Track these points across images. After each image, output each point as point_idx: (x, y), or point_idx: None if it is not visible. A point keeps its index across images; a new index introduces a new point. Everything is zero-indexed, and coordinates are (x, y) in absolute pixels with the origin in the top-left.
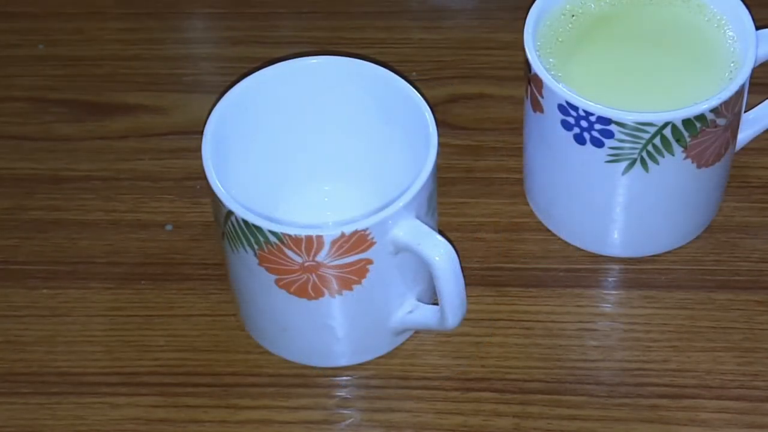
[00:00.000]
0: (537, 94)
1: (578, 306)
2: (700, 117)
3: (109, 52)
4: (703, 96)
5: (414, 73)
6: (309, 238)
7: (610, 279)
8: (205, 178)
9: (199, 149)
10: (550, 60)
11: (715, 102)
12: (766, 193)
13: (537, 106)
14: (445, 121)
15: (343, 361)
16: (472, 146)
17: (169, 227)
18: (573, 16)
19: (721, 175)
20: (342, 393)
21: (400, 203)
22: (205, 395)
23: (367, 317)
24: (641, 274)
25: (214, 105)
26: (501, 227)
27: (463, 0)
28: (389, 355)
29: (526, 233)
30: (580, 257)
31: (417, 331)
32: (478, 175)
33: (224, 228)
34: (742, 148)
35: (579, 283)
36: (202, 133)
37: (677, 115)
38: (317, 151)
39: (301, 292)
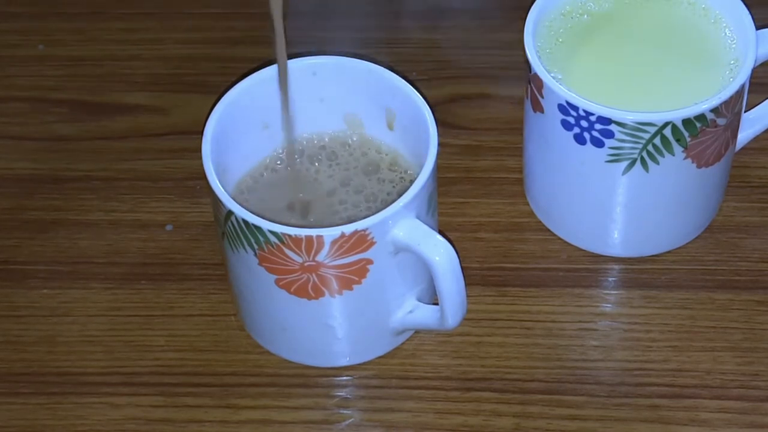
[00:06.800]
0: (537, 94)
1: (578, 306)
2: (701, 117)
3: (109, 52)
4: (703, 96)
5: (414, 73)
6: (309, 238)
7: (610, 279)
8: (205, 178)
9: (199, 149)
10: (550, 60)
11: (715, 102)
12: (766, 193)
13: (537, 106)
14: (445, 121)
15: (343, 361)
16: (472, 146)
17: (169, 227)
18: (573, 16)
19: (721, 175)
20: (342, 393)
21: (400, 203)
22: (205, 395)
23: (367, 317)
24: (641, 274)
25: (214, 105)
26: (501, 227)
27: (463, 0)
28: (389, 355)
29: (526, 233)
30: (580, 257)
31: (417, 331)
32: (478, 175)
33: (224, 228)
34: (742, 148)
35: (579, 283)
36: (202, 133)
37: (677, 114)
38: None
39: (301, 292)
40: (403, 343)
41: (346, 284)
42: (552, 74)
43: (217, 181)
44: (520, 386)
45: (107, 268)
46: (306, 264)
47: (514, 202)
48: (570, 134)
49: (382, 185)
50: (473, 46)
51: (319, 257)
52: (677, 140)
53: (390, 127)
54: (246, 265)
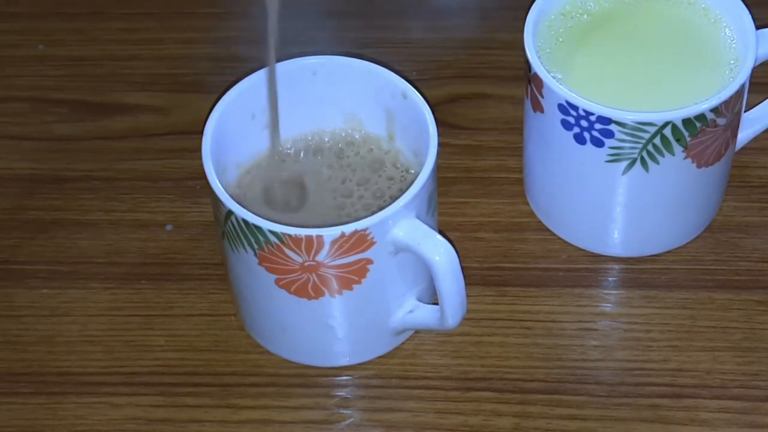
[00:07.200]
0: (537, 94)
1: (578, 306)
2: (701, 116)
3: (109, 52)
4: (703, 95)
5: (414, 73)
6: (309, 238)
7: (610, 279)
8: (205, 178)
9: (199, 149)
10: (550, 60)
11: (715, 102)
12: (766, 193)
13: (537, 106)
14: (445, 121)
15: (343, 361)
16: (472, 146)
17: (169, 227)
18: (573, 16)
19: (721, 175)
20: (342, 393)
21: (400, 203)
22: (206, 395)
23: (367, 317)
24: (641, 274)
25: (214, 105)
26: (501, 227)
27: (463, 0)
28: (389, 355)
29: (526, 233)
30: (580, 257)
31: (417, 331)
32: (478, 175)
33: (224, 228)
34: (742, 148)
35: (579, 283)
36: (202, 133)
37: (677, 114)
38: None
39: (301, 292)
40: (403, 343)
41: (346, 284)
42: (552, 74)
43: (217, 181)
44: (520, 386)
45: (107, 268)
46: (306, 264)
47: (514, 202)
48: (570, 134)
49: (390, 183)
50: (473, 46)
51: (319, 257)
52: (677, 140)
53: (391, 138)
54: (246, 265)
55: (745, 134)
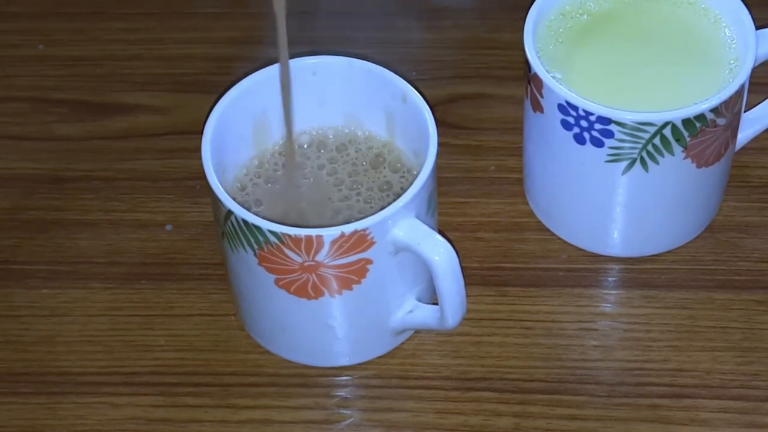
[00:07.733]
0: (537, 94)
1: (578, 306)
2: (700, 117)
3: (109, 52)
4: (703, 96)
5: (414, 73)
6: (309, 238)
7: (610, 279)
8: (205, 178)
9: (199, 149)
10: (550, 60)
11: (715, 102)
12: (766, 193)
13: (537, 106)
14: (445, 121)
15: (343, 361)
16: (472, 146)
17: (169, 227)
18: (573, 16)
19: (721, 175)
20: (342, 393)
21: (400, 203)
22: (205, 395)
23: (367, 317)
24: (641, 274)
25: (214, 105)
26: (501, 227)
27: (463, 0)
28: (389, 355)
29: (526, 233)
30: (580, 257)
31: (417, 331)
32: (478, 175)
33: (224, 228)
34: (742, 148)
35: (579, 283)
36: (202, 133)
37: (677, 114)
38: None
39: (301, 292)
40: (403, 343)
41: (346, 284)
42: (552, 74)
43: (217, 181)
44: (520, 386)
45: (107, 268)
46: (306, 264)
47: (514, 202)
48: (570, 134)
49: (390, 183)
50: (473, 46)
51: (319, 257)
52: (677, 140)
53: (391, 138)
54: (246, 265)
55: (745, 134)
